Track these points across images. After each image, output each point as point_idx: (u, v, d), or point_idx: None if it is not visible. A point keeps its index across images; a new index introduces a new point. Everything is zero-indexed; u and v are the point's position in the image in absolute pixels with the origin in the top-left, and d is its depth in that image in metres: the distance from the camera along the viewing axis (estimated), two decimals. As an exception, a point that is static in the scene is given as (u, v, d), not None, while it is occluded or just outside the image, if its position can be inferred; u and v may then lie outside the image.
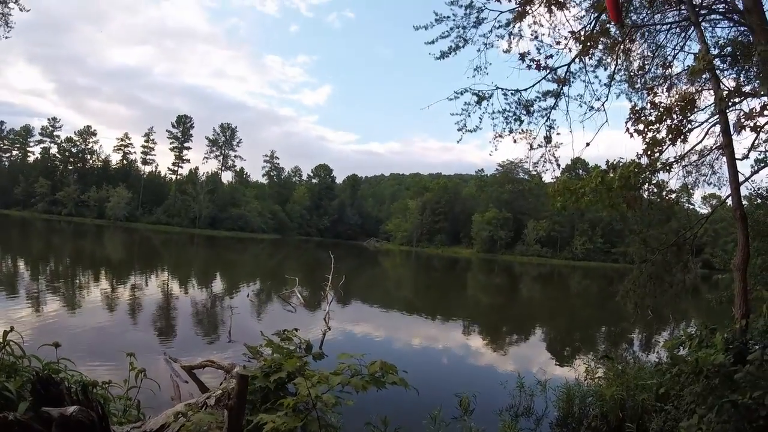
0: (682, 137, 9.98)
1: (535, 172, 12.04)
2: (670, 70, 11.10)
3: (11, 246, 47.72)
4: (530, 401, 10.69)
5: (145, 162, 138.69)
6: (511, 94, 11.16)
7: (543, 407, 10.63)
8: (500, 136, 11.33)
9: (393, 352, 14.99)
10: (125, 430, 5.30)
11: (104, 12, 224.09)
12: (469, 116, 10.99)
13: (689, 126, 9.93)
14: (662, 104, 10.09)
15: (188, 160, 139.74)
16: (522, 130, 11.35)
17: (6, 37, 12.67)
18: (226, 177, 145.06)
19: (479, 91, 10.94)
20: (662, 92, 10.85)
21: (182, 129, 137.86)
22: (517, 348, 19.33)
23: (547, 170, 11.75)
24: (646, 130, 9.87)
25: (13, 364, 5.70)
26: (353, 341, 16.32)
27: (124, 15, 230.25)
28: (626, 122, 10.18)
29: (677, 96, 10.10)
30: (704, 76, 9.88)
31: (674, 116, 9.70)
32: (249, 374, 4.03)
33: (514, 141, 11.39)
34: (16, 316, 15.90)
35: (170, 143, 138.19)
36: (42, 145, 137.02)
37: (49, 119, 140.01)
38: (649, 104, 10.39)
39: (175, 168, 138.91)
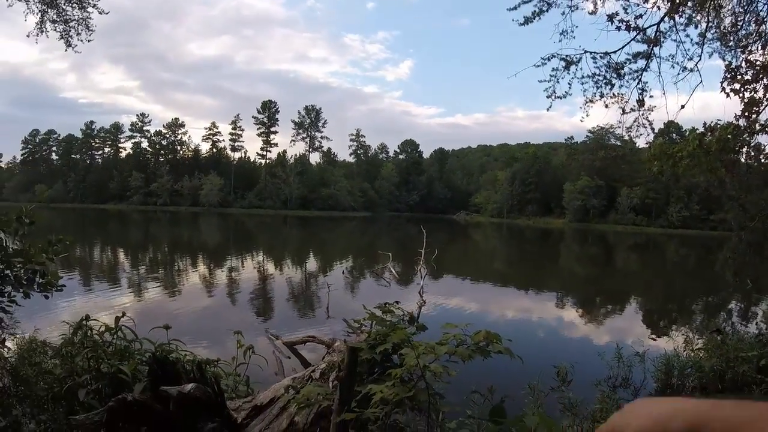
0: (779, 97, 9.52)
1: (627, 138, 11.66)
2: (764, 26, 10.55)
3: (111, 237, 50.04)
4: (628, 372, 10.51)
5: (233, 149, 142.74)
6: (600, 57, 10.85)
7: (641, 378, 10.45)
8: (591, 101, 11.06)
9: (488, 324, 14.86)
10: (237, 404, 5.55)
11: (180, 8, 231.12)
12: (558, 82, 10.76)
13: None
14: (758, 62, 9.65)
15: (276, 144, 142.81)
16: (613, 94, 11.02)
17: (89, 41, 13.14)
18: (314, 158, 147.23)
19: (567, 55, 10.68)
20: (757, 50, 10.32)
21: (268, 114, 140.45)
22: (613, 319, 18.94)
23: (640, 135, 11.37)
24: (742, 89, 9.47)
25: (126, 348, 6.01)
26: (448, 314, 16.40)
27: (199, 9, 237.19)
28: (721, 82, 9.80)
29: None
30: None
31: (771, 75, 9.27)
32: (358, 346, 4.18)
33: (606, 106, 11.09)
34: (121, 302, 16.73)
35: (257, 129, 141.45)
36: (133, 140, 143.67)
37: (137, 115, 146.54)
38: (744, 63, 9.94)
39: (264, 152, 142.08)
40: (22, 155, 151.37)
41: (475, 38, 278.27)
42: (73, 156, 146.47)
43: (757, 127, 9.81)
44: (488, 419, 3.11)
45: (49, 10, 12.61)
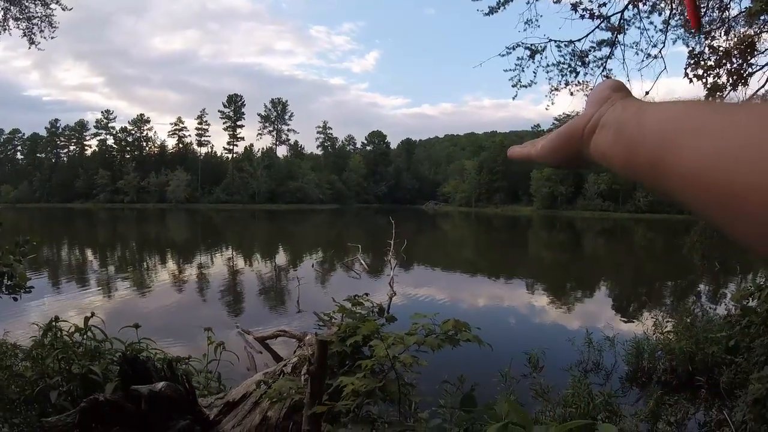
0: (743, 81, 9.65)
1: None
2: (727, 12, 10.69)
3: (79, 237, 49.47)
4: (599, 357, 10.66)
5: (200, 144, 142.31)
6: (565, 45, 10.90)
7: (612, 362, 10.60)
8: (556, 89, 11.13)
9: (459, 313, 14.97)
10: (209, 401, 5.52)
11: (143, 2, 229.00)
12: (523, 71, 10.82)
13: (750, 70, 9.60)
14: (721, 48, 9.78)
15: (242, 138, 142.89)
16: (578, 82, 11.09)
17: (52, 38, 12.96)
18: (281, 151, 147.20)
19: (532, 44, 10.73)
20: (720, 36, 10.45)
21: (234, 108, 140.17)
22: (583, 304, 19.17)
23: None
24: (705, 75, 9.60)
25: (96, 348, 5.99)
26: (419, 304, 16.47)
27: (163, 2, 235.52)
28: (685, 68, 9.91)
29: (735, 39, 9.77)
30: (762, 17, 9.50)
31: (734, 60, 9.40)
32: (327, 339, 4.17)
33: (571, 93, 11.16)
34: (91, 302, 16.54)
35: (223, 123, 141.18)
36: (98, 138, 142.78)
37: (102, 112, 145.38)
38: (707, 48, 10.08)
39: (231, 147, 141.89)
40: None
41: (441, 28, 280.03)
42: (38, 155, 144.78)
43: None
44: (459, 408, 3.12)
45: (12, 8, 12.43)
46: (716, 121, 0.46)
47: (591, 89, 0.82)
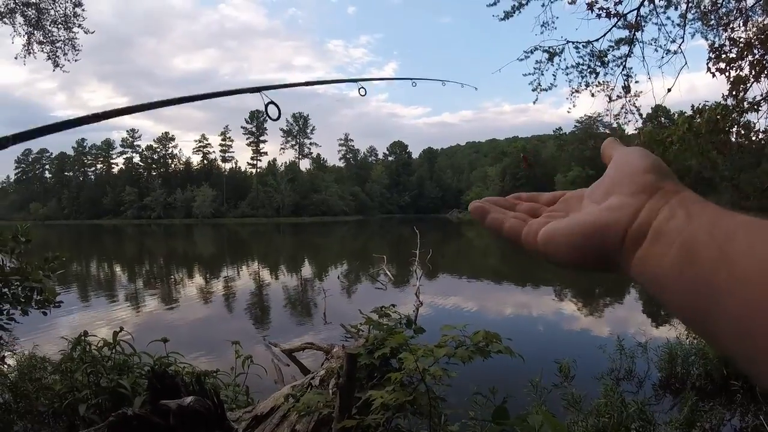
0: (766, 73, 9.49)
1: (616, 125, 11.67)
2: (744, 2, 10.52)
3: (107, 252, 50.01)
4: (631, 364, 10.46)
5: (224, 159, 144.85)
6: (583, 46, 10.86)
7: (645, 369, 10.40)
8: (577, 91, 11.08)
9: (487, 322, 14.92)
10: (237, 415, 5.49)
11: (163, 24, 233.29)
12: (542, 74, 10.80)
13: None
14: (741, 39, 9.64)
15: (266, 153, 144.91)
16: (599, 83, 11.05)
17: (75, 60, 13.23)
18: (304, 165, 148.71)
19: (549, 47, 10.73)
20: (739, 26, 10.30)
21: (256, 124, 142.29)
22: (613, 310, 18.92)
23: (628, 121, 11.38)
24: (727, 68, 9.47)
25: (125, 362, 6.03)
26: (446, 314, 16.37)
27: (182, 23, 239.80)
28: (707, 62, 9.80)
29: (755, 29, 9.63)
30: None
31: (755, 51, 9.25)
32: (356, 352, 4.13)
33: (592, 95, 11.11)
34: (119, 316, 16.68)
35: (246, 139, 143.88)
36: (124, 156, 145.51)
37: (128, 131, 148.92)
38: (727, 41, 9.95)
39: (254, 162, 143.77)
40: (15, 175, 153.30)
41: (458, 36, 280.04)
42: (66, 173, 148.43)
43: (746, 105, 9.78)
44: (491, 420, 3.06)
45: (36, 32, 12.72)
46: None
47: (615, 159, 0.60)
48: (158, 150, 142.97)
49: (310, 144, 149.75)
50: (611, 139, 0.66)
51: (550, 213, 0.64)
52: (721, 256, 0.39)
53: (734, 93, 9.55)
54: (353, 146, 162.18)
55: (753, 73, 9.39)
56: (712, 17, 10.66)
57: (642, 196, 0.49)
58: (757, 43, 9.24)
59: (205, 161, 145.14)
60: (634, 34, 10.68)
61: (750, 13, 10.27)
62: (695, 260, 0.40)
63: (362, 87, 3.55)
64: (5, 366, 6.11)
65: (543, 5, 10.64)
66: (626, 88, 10.99)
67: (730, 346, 0.39)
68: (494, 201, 0.69)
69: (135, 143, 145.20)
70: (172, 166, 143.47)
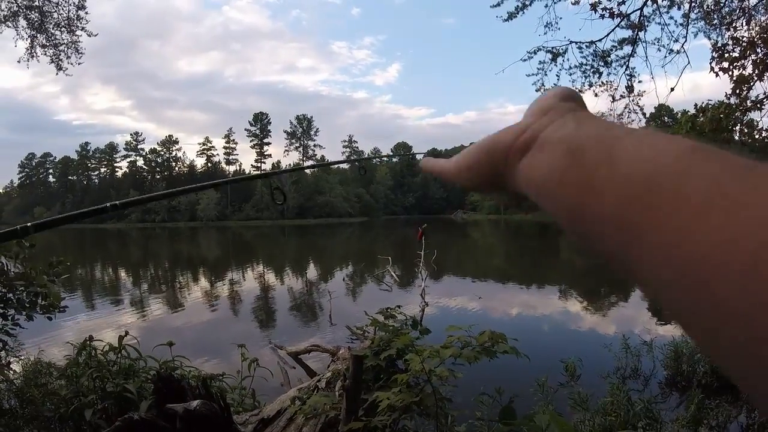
0: (769, 71, 9.48)
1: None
2: (746, 1, 10.50)
3: (111, 256, 50.05)
4: (637, 362, 10.46)
5: (228, 162, 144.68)
6: (586, 46, 10.84)
7: (650, 367, 10.40)
8: (580, 91, 11.04)
9: (493, 323, 14.91)
10: (244, 418, 5.51)
11: (167, 26, 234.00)
12: (546, 75, 10.78)
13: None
14: (744, 39, 9.63)
15: (269, 155, 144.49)
16: (602, 82, 11.01)
17: (79, 63, 13.26)
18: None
19: (553, 47, 10.70)
20: (742, 26, 10.28)
21: (260, 126, 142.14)
22: (618, 309, 18.90)
23: (632, 121, 11.36)
24: (730, 67, 9.46)
25: (130, 366, 6.03)
26: (452, 315, 16.37)
27: (186, 26, 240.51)
28: (710, 62, 9.79)
29: (758, 28, 9.63)
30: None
31: (758, 50, 9.24)
32: (362, 354, 4.13)
33: (595, 94, 11.08)
34: (125, 320, 16.72)
35: (250, 141, 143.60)
36: (128, 159, 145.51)
37: (131, 134, 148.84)
38: (730, 40, 9.94)
39: (258, 164, 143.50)
40: (19, 179, 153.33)
41: (462, 37, 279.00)
42: (69, 177, 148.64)
43: (749, 103, 9.77)
44: (498, 420, 3.06)
45: (39, 35, 12.73)
46: (738, 189, 0.30)
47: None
48: (162, 153, 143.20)
49: (314, 146, 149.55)
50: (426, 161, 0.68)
51: None
52: (605, 158, 0.39)
53: (737, 92, 9.54)
54: (357, 147, 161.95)
55: (756, 72, 9.39)
56: (715, 17, 10.64)
57: (538, 115, 0.49)
58: (760, 42, 9.24)
59: (209, 164, 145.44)
60: (637, 34, 10.67)
61: (753, 13, 10.25)
62: (579, 162, 0.41)
63: (362, 167, 3.66)
64: (11, 372, 6.13)
65: (546, 6, 10.63)
66: (629, 88, 10.97)
67: (610, 247, 0.38)
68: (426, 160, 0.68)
69: (139, 146, 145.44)
70: (176, 169, 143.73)
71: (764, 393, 0.27)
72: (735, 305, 0.28)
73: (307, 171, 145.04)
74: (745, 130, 10.74)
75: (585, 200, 0.39)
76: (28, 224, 1.38)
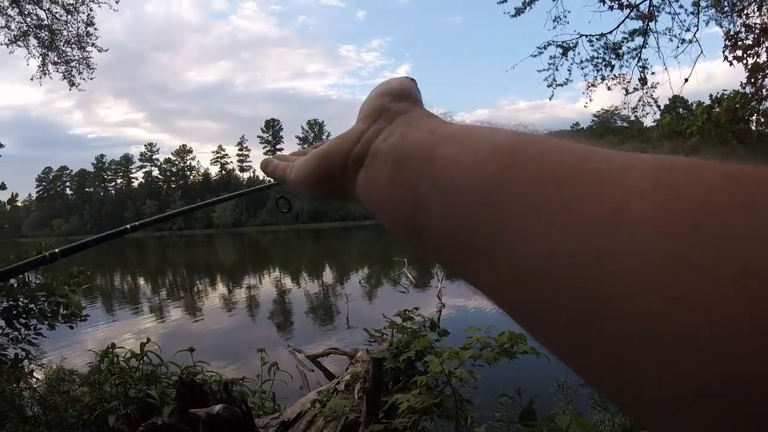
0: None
1: (634, 118, 11.59)
2: (757, -13, 10.41)
3: (131, 265, 50.35)
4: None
5: (242, 169, 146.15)
6: (596, 39, 10.81)
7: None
8: (593, 84, 11.03)
9: (511, 323, 14.80)
10: (265, 421, 5.53)
11: (175, 38, 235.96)
12: (557, 69, 10.79)
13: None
14: (756, 26, 9.55)
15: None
16: (614, 75, 10.99)
17: (91, 78, 13.42)
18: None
19: (563, 42, 10.70)
20: (753, 12, 10.17)
21: (272, 132, 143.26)
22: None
23: (646, 114, 11.29)
24: (744, 55, 9.39)
25: (152, 372, 6.08)
26: (469, 316, 16.29)
27: (194, 37, 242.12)
28: (723, 50, 9.71)
29: (769, 15, 9.56)
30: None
31: (772, 37, 9.18)
32: (381, 356, 4.14)
33: (608, 88, 11.05)
34: (145, 327, 16.83)
35: (263, 147, 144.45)
36: (143, 170, 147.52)
37: (145, 145, 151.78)
38: (742, 27, 9.84)
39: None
40: (37, 192, 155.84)
41: (470, 35, 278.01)
42: (86, 189, 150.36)
43: (765, 92, 9.69)
44: (518, 422, 3.05)
45: (50, 53, 12.89)
46: (557, 194, 0.29)
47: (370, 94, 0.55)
48: (176, 163, 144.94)
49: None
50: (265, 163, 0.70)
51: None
52: (426, 165, 0.37)
53: (752, 81, 9.47)
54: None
55: (770, 58, 9.32)
56: (726, 3, 10.52)
57: (368, 120, 0.49)
58: (772, 28, 9.18)
59: (224, 172, 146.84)
60: (648, 25, 10.61)
61: (765, -1, 10.18)
62: (404, 175, 0.39)
63: None
64: (34, 380, 6.20)
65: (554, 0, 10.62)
66: (642, 80, 10.91)
67: (449, 265, 0.37)
68: (280, 157, 0.70)
69: (153, 157, 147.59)
70: (191, 177, 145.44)
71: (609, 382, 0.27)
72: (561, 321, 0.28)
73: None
74: (762, 120, 10.65)
75: (413, 214, 0.38)
76: (56, 250, 1.41)
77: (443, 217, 0.35)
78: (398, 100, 0.50)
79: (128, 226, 1.54)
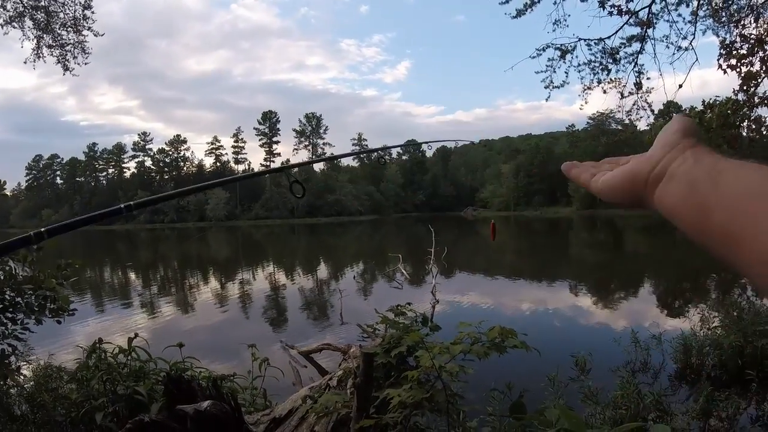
0: (777, 69, 9.48)
1: (628, 121, 11.78)
2: (755, -1, 10.49)
3: (120, 258, 50.17)
4: (646, 356, 10.45)
5: (237, 161, 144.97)
6: (595, 43, 10.87)
7: (660, 361, 10.39)
8: (589, 88, 11.11)
9: (503, 319, 14.90)
10: (256, 418, 5.54)
11: (175, 25, 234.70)
12: (555, 72, 10.83)
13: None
14: (752, 36, 9.64)
15: (279, 154, 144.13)
16: (611, 79, 11.07)
17: (86, 63, 13.27)
18: (318, 165, 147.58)
19: (561, 44, 10.75)
20: (750, 23, 10.28)
21: (269, 125, 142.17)
22: (628, 303, 18.84)
23: (640, 118, 11.42)
24: (738, 64, 9.46)
25: (140, 368, 6.05)
26: (462, 312, 16.38)
27: (195, 24, 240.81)
28: (717, 59, 9.80)
29: (766, 26, 9.63)
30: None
31: (766, 47, 9.25)
32: (372, 351, 4.16)
33: (604, 91, 11.13)
34: (134, 322, 16.83)
35: (259, 140, 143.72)
36: (136, 160, 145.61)
37: (139, 134, 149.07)
38: (738, 37, 9.94)
39: (267, 163, 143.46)
40: (26, 181, 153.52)
41: (471, 34, 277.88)
42: (77, 179, 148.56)
43: (756, 100, 9.77)
44: (509, 416, 3.09)
45: (45, 36, 12.73)
46: None
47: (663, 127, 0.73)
48: (170, 153, 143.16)
49: (324, 144, 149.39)
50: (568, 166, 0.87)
51: (613, 166, 0.77)
52: (713, 186, 0.54)
53: (745, 88, 9.55)
54: (367, 145, 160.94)
55: (764, 68, 9.40)
56: (723, 14, 10.63)
57: (666, 149, 0.64)
58: (767, 39, 9.24)
59: (218, 163, 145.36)
60: (646, 31, 10.68)
61: (761, 10, 10.24)
62: (695, 191, 0.56)
63: (382, 156, 3.64)
64: (21, 377, 6.13)
65: (555, 3, 10.66)
66: (638, 85, 11.00)
67: (722, 252, 0.52)
68: (577, 164, 0.86)
69: (147, 147, 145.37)
70: (185, 169, 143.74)
71: None
72: None
73: (317, 169, 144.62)
74: (753, 127, 10.73)
75: (701, 219, 0.54)
76: (42, 229, 1.39)
77: (721, 221, 0.51)
78: (687, 136, 0.65)
79: (122, 205, 1.54)
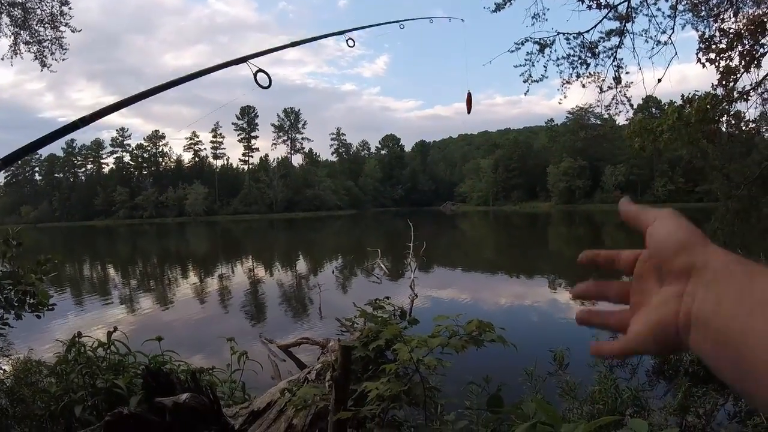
0: (755, 63, 9.56)
1: (607, 116, 11.79)
2: (734, -7, 10.57)
3: (100, 253, 49.93)
4: (625, 351, 10.54)
5: (216, 156, 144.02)
6: (574, 37, 10.92)
7: (638, 356, 10.46)
8: (568, 82, 11.15)
9: (482, 313, 14.89)
10: (234, 410, 5.51)
11: (152, 20, 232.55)
12: (533, 66, 10.87)
13: (762, 51, 9.51)
14: (731, 30, 9.71)
15: (257, 149, 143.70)
16: (589, 74, 11.11)
17: (63, 59, 13.17)
18: (296, 160, 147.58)
19: (540, 39, 10.79)
20: (729, 18, 10.36)
21: (247, 120, 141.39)
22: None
23: (620, 112, 11.46)
24: (717, 58, 9.54)
25: (120, 362, 6.02)
26: (441, 306, 16.42)
27: (172, 19, 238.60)
28: (696, 53, 9.87)
29: (745, 20, 9.70)
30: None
31: (745, 42, 9.32)
32: (350, 345, 4.15)
33: (583, 86, 11.17)
34: (114, 317, 16.71)
35: (238, 135, 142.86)
36: (115, 156, 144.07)
37: (117, 130, 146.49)
38: (717, 31, 10.02)
39: (246, 158, 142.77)
40: (5, 178, 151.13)
41: (450, 28, 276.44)
42: (56, 175, 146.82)
43: (735, 94, 9.86)
44: (486, 409, 3.09)
45: (22, 32, 12.63)
46: None
47: (651, 236, 0.74)
48: (149, 148, 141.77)
49: (302, 139, 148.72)
50: (627, 204, 0.78)
51: (633, 303, 0.74)
52: (744, 340, 0.49)
53: (724, 83, 9.63)
54: (345, 140, 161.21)
55: (743, 63, 9.48)
56: (703, 8, 10.69)
57: (680, 283, 0.60)
58: (747, 33, 9.31)
59: (197, 159, 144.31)
60: (625, 26, 10.73)
61: (740, 4, 10.32)
62: (725, 346, 0.52)
63: (350, 38, 3.68)
64: (1, 371, 6.09)
65: (534, -3, 10.70)
66: (617, 79, 11.04)
67: (757, 402, 0.51)
68: (584, 291, 0.82)
69: (125, 142, 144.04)
70: (163, 164, 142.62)
71: None
72: None
73: (295, 163, 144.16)
74: (732, 121, 10.83)
75: (739, 372, 0.51)
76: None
77: (757, 375, 0.48)
78: (694, 254, 0.60)
79: (77, 119, 1.52)
